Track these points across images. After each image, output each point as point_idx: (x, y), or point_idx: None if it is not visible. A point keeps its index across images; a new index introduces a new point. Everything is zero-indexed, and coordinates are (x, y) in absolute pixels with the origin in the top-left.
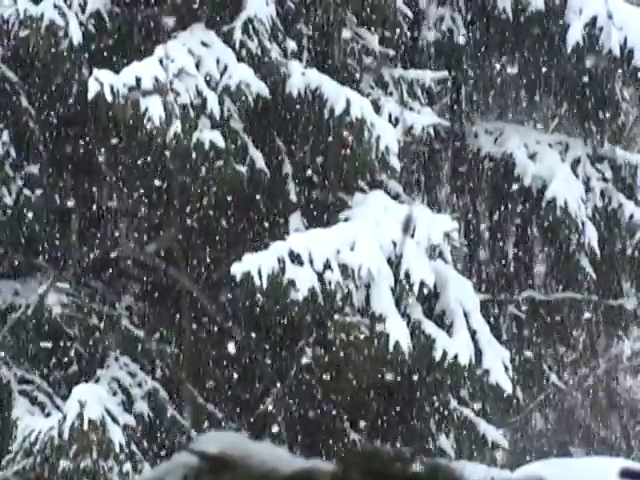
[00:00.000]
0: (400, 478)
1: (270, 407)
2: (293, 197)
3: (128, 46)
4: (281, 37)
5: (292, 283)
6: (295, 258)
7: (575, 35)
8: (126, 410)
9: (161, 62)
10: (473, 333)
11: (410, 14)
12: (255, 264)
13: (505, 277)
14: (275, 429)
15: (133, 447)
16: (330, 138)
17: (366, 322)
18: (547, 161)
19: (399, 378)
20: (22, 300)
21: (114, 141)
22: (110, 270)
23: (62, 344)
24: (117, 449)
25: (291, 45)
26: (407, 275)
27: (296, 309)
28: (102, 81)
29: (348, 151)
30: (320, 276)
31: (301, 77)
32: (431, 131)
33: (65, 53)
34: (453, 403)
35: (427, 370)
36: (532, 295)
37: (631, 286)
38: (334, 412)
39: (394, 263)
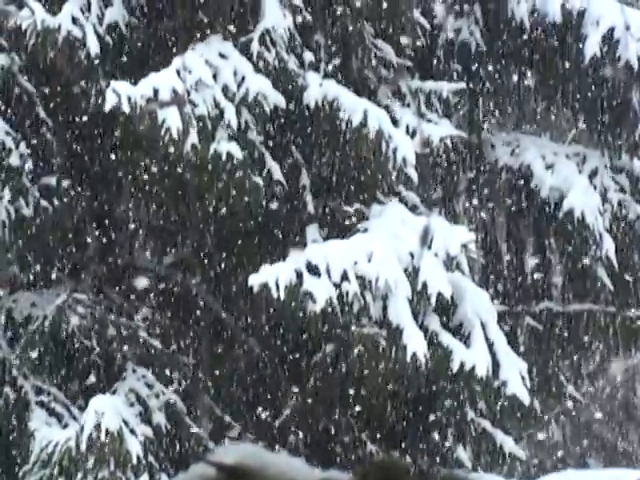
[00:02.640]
0: None
1: (287, 418)
2: (310, 208)
3: (146, 57)
4: (299, 48)
5: (309, 294)
6: (312, 269)
7: (592, 46)
8: (143, 421)
9: (179, 73)
10: (490, 344)
11: (427, 25)
12: (272, 275)
13: (522, 288)
14: (292, 440)
15: (150, 458)
16: (347, 149)
17: (383, 333)
18: (564, 172)
19: (416, 389)
20: (40, 311)
21: (131, 152)
22: (127, 282)
23: (79, 355)
24: (134, 460)
25: (308, 56)
26: (424, 286)
27: (313, 320)
28: (120, 92)
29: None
30: (337, 287)
31: (318, 88)
32: (448, 142)
33: (83, 64)
34: (470, 414)
35: (444, 381)
36: (549, 306)
37: None
38: (351, 423)
39: (411, 274)
